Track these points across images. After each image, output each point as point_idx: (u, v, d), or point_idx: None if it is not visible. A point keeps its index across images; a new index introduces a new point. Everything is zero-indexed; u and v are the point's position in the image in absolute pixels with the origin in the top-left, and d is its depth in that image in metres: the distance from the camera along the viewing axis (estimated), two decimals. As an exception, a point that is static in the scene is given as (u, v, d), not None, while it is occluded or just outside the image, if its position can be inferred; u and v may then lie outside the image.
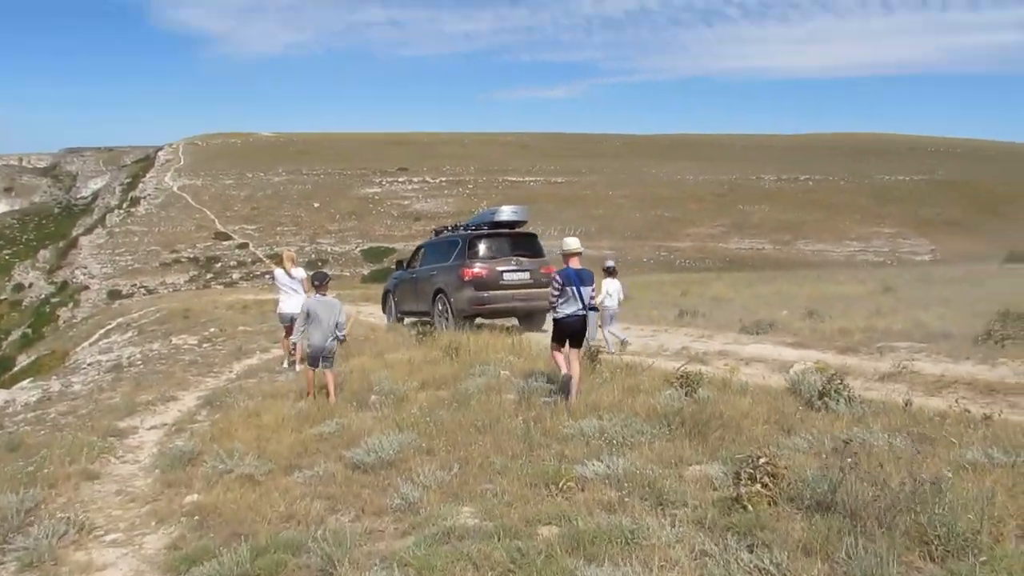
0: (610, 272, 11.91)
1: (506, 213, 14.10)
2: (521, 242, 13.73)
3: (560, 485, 4.55)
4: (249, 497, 5.03)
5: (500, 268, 13.08)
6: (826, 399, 6.02)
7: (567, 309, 7.07)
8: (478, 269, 13.03)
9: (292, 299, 10.81)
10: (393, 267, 17.30)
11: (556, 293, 7.11)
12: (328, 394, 8.00)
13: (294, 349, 10.59)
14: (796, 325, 12.58)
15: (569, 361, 7.04)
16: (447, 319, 13.34)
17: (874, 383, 7.43)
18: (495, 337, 10.92)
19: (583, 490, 4.53)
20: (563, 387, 6.88)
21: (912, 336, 10.04)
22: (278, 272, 11.29)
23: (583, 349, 7.46)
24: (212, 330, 18.51)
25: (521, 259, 13.31)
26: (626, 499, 4.26)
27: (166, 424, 8.38)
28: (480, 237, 13.66)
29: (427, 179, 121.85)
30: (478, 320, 13.84)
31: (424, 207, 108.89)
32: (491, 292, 13.01)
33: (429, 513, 4.38)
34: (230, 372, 11.85)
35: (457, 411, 6.51)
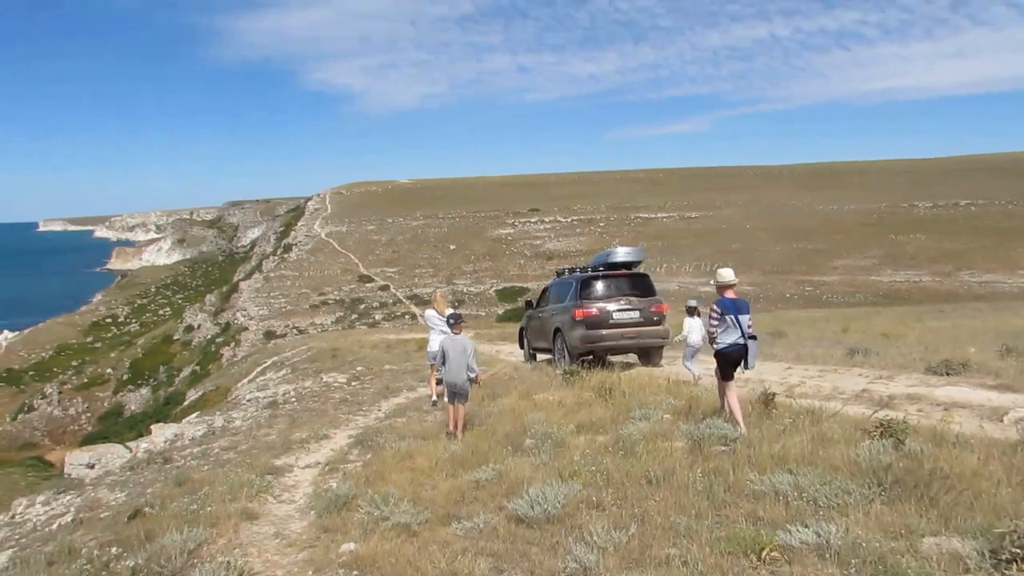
0: (691, 312, 12.38)
1: (620, 254, 14.74)
2: (633, 282, 14.26)
3: (762, 556, 3.85)
4: (407, 550, 4.68)
5: (610, 307, 13.65)
6: (1082, 457, 4.92)
7: (728, 339, 7.03)
8: (588, 309, 13.64)
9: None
10: (524, 307, 17.96)
11: (715, 323, 7.05)
12: (458, 427, 8.36)
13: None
14: (994, 364, 10.95)
15: (727, 393, 6.99)
16: (564, 356, 14.00)
17: None
18: (650, 378, 10.23)
19: (791, 563, 3.80)
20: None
21: None
22: (429, 312, 11.56)
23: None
24: (359, 368, 18.95)
25: (632, 298, 13.84)
26: (852, 578, 3.50)
27: (319, 463, 8.34)
28: (592, 278, 14.26)
29: (558, 219, 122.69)
30: (610, 358, 14.32)
31: (556, 246, 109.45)
32: (602, 331, 13.58)
33: (609, 581, 3.82)
34: (379, 411, 11.86)
35: (623, 460, 5.92)
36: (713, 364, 7.44)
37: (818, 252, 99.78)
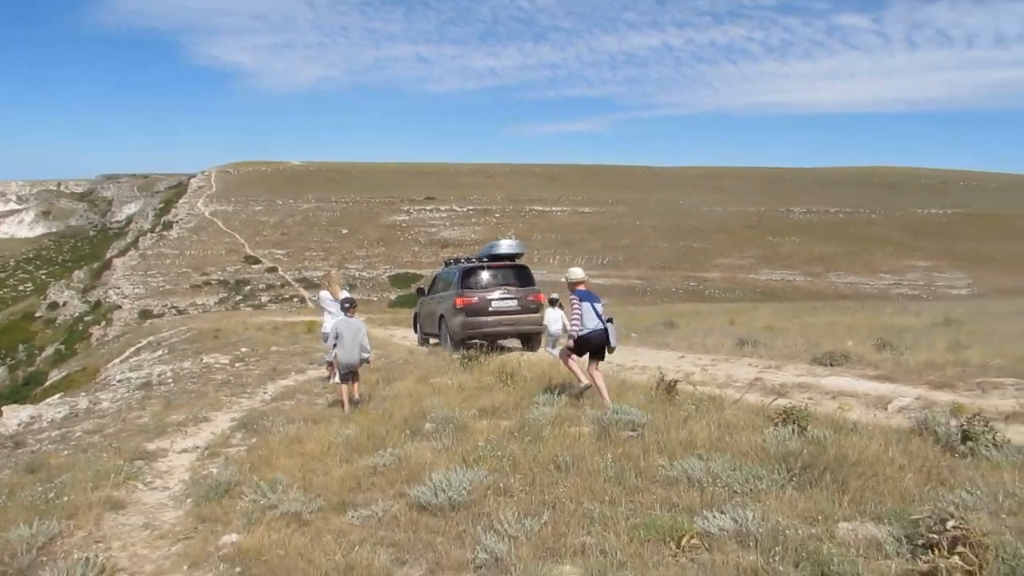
0: (553, 303, 13.96)
1: (504, 247, 15.73)
2: (513, 272, 14.98)
3: (681, 544, 3.69)
4: (298, 540, 4.23)
5: (489, 296, 14.43)
6: (971, 443, 5.10)
7: (589, 325, 7.60)
8: (469, 297, 14.39)
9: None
10: (416, 293, 18.87)
11: (577, 312, 7.62)
12: (354, 402, 8.67)
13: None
14: (873, 357, 11.57)
15: (592, 374, 7.61)
16: (447, 342, 14.83)
17: (998, 424, 6.45)
18: (551, 364, 10.10)
19: (711, 550, 3.66)
20: (579, 395, 7.69)
21: (1016, 371, 9.01)
22: (324, 294, 11.47)
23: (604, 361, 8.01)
24: (244, 350, 17.92)
25: (510, 288, 14.60)
26: (774, 566, 3.38)
27: (198, 447, 7.64)
28: (474, 269, 15.05)
29: (454, 208, 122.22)
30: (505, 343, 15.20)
31: (451, 235, 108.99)
32: (481, 318, 14.36)
33: (522, 572, 3.55)
34: (265, 393, 11.13)
35: (530, 445, 5.67)
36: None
37: (702, 250, 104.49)
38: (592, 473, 4.93)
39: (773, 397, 7.46)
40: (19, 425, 11.35)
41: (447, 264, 17.03)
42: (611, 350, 7.74)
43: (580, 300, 7.66)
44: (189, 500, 5.61)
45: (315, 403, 9.55)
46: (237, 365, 14.78)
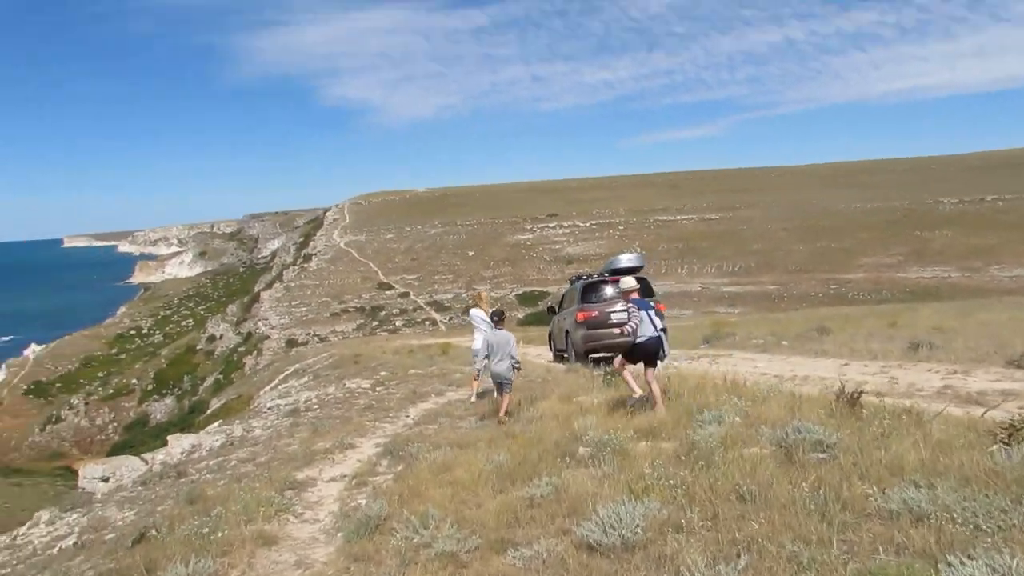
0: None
1: (624, 261, 16.22)
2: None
3: (933, 599, 2.94)
4: (457, 586, 3.81)
5: (608, 309, 14.59)
6: None
7: (646, 332, 7.90)
8: (589, 311, 14.87)
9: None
10: (547, 312, 19.82)
11: (636, 319, 7.91)
12: (506, 412, 8.94)
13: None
14: (1085, 358, 9.90)
15: (648, 381, 7.88)
16: (571, 356, 15.38)
17: None
18: (703, 377, 9.31)
19: (972, 609, 2.88)
20: (634, 405, 7.78)
21: None
22: (475, 311, 11.73)
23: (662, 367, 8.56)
24: (383, 374, 18.19)
25: (629, 306, 14.50)
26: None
27: (345, 476, 7.51)
28: (594, 283, 15.63)
29: (577, 223, 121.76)
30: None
31: (575, 251, 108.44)
32: (601, 330, 14.48)
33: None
34: (407, 417, 11.03)
35: (703, 472, 5.00)
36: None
37: (842, 250, 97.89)
38: (785, 505, 4.21)
39: (985, 409, 6.34)
40: (182, 454, 11.89)
41: (572, 281, 17.54)
42: (662, 358, 8.14)
43: (637, 308, 7.95)
44: (340, 535, 5.37)
45: (459, 426, 9.27)
46: (378, 389, 14.93)
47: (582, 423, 7.04)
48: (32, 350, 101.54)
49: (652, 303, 8.50)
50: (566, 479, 5.30)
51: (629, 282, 8.41)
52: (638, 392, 7.79)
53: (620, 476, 5.23)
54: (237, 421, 15.00)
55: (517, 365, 9.37)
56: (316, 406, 13.68)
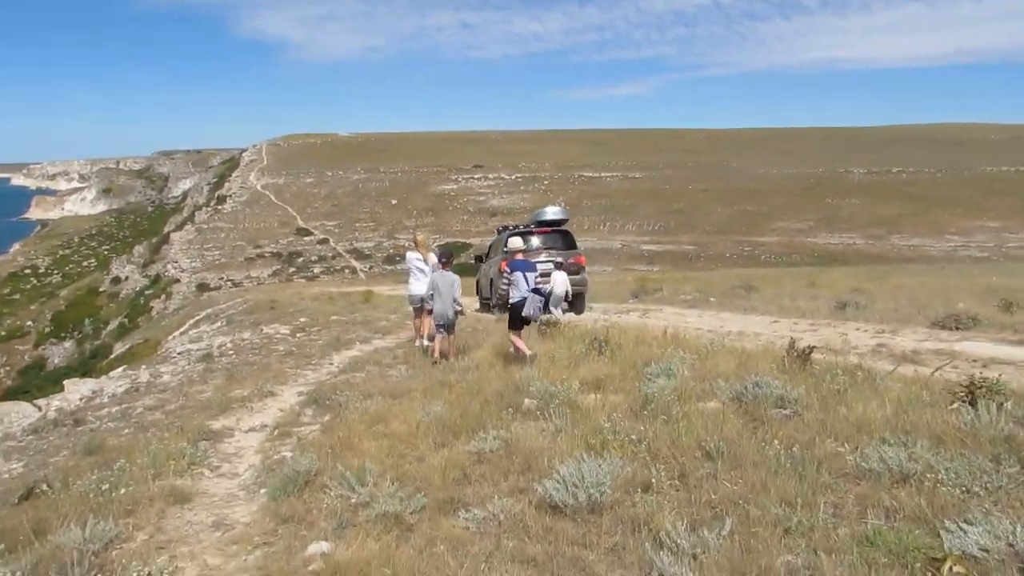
0: (558, 266, 13.98)
1: (549, 213, 16.70)
2: (556, 237, 15.76)
3: (943, 572, 2.67)
4: (405, 554, 3.35)
5: (532, 259, 15.19)
6: None
7: (516, 294, 8.19)
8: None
9: (422, 282, 10.72)
10: (472, 261, 20.42)
11: (506, 282, 8.29)
12: (442, 355, 9.08)
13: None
14: (1001, 319, 10.22)
15: (512, 339, 8.14)
16: (495, 304, 15.38)
17: None
18: (642, 329, 9.07)
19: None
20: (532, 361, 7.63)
21: None
22: (411, 254, 11.21)
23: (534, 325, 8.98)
24: (303, 320, 17.36)
25: (554, 251, 15.21)
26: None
27: (266, 426, 6.90)
28: (519, 234, 15.38)
29: (502, 176, 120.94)
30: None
31: (500, 203, 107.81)
32: None
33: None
34: (331, 364, 10.41)
35: (664, 426, 4.68)
36: None
37: (759, 214, 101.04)
38: (757, 464, 3.92)
39: (935, 368, 6.29)
40: (81, 400, 10.91)
41: (499, 231, 18.07)
42: (535, 319, 8.62)
43: (511, 270, 8.23)
44: (263, 492, 4.81)
45: (388, 375, 8.75)
46: (299, 335, 14.15)
47: (524, 374, 6.64)
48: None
49: (530, 264, 8.77)
50: (515, 432, 4.89)
51: (516, 243, 8.98)
52: (528, 352, 7.80)
53: (574, 431, 4.85)
54: (143, 366, 13.96)
55: (459, 307, 9.28)
56: (231, 352, 12.81)
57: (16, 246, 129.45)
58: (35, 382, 64.28)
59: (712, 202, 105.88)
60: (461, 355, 9.18)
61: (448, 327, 9.27)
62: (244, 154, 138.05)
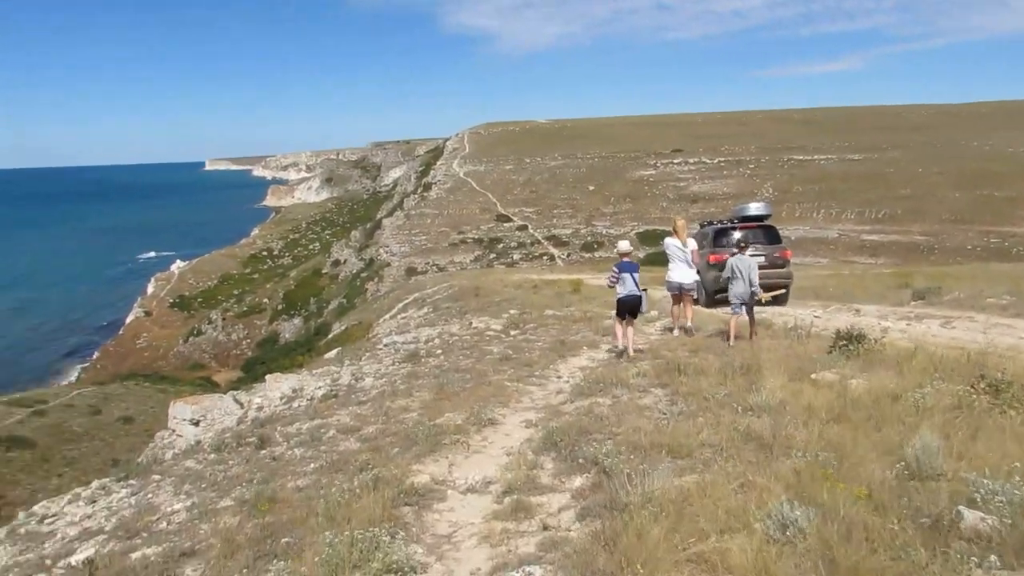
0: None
1: (752, 209, 17.39)
2: (761, 232, 16.27)
3: None
4: None
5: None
6: None
7: (623, 290, 9.31)
8: (720, 255, 15.27)
9: (681, 269, 10.69)
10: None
11: (614, 279, 9.47)
12: (752, 335, 9.49)
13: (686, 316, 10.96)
14: None
15: (623, 332, 9.31)
16: (702, 296, 15.56)
17: None
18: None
19: None
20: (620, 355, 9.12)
21: None
22: (669, 241, 10.91)
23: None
24: (513, 312, 15.59)
25: (759, 245, 15.40)
26: None
27: (490, 482, 4.84)
28: (725, 229, 16.49)
29: (704, 160, 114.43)
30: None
31: (701, 188, 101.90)
32: None
33: None
34: (558, 376, 8.29)
35: None
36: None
37: (1007, 200, 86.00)
38: None
39: None
40: (281, 399, 9.80)
41: (703, 225, 18.59)
42: (643, 312, 9.43)
43: (619, 271, 9.16)
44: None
45: (643, 403, 6.36)
46: (513, 333, 12.26)
47: (923, 443, 3.89)
48: (177, 265, 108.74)
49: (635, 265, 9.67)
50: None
51: (624, 246, 10.08)
52: (620, 342, 9.07)
53: None
54: (347, 361, 12.87)
55: (755, 290, 9.52)
56: (439, 351, 11.16)
57: (255, 230, 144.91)
58: (270, 354, 70.70)
59: (947, 187, 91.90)
60: (736, 376, 6.61)
61: (748, 307, 9.56)
62: (447, 143, 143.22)
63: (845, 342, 7.97)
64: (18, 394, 51.58)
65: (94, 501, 6.05)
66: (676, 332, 10.84)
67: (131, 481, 6.54)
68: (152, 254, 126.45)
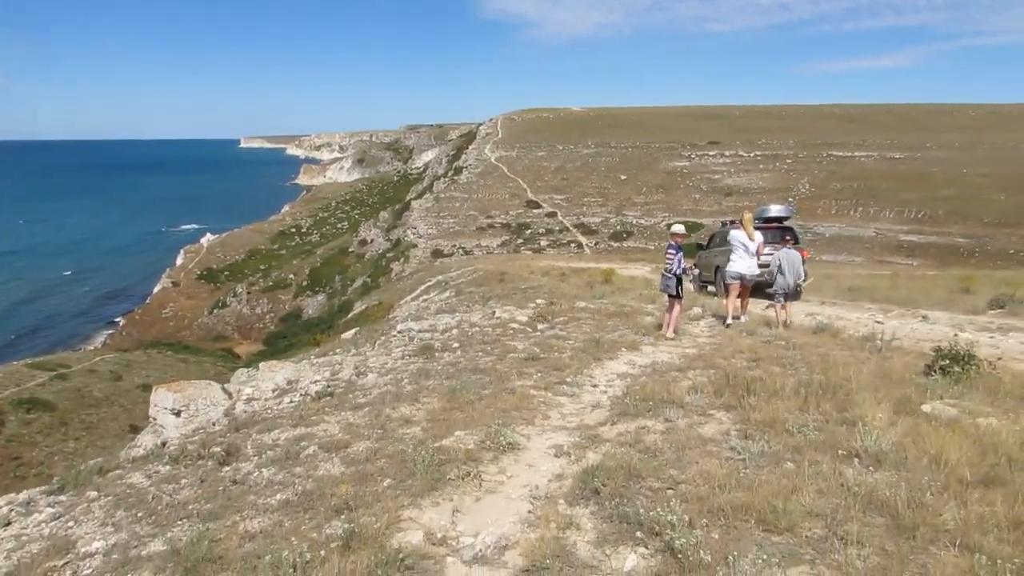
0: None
1: (774, 211, 18.33)
2: (778, 234, 16.23)
3: None
4: None
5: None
6: None
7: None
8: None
9: (744, 260, 10.95)
10: (696, 248, 22.06)
11: (671, 257, 10.22)
12: (786, 324, 10.42)
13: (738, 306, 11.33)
14: None
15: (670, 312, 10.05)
16: (721, 287, 16.14)
17: None
18: None
19: None
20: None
21: None
22: (735, 233, 11.19)
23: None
24: (539, 302, 14.23)
25: (775, 247, 16.29)
26: None
27: (506, 547, 3.52)
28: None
29: (740, 153, 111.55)
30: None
31: (736, 182, 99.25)
32: None
33: None
34: (594, 386, 6.92)
35: None
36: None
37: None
38: None
39: None
40: (274, 391, 8.60)
41: (724, 224, 20.08)
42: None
43: (676, 249, 10.23)
44: None
45: (704, 431, 5.00)
46: (540, 327, 10.87)
47: None
48: (207, 239, 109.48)
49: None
50: None
51: (679, 229, 10.82)
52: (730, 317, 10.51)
53: None
54: (353, 350, 11.62)
55: (800, 281, 10.45)
56: (455, 345, 9.81)
57: (286, 208, 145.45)
58: (292, 329, 70.57)
59: (993, 189, 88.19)
60: (817, 398, 5.21)
61: (791, 297, 10.47)
62: (481, 128, 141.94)
63: (948, 361, 6.53)
64: (41, 357, 51.71)
65: (7, 524, 4.86)
66: (730, 321, 10.84)
67: (61, 497, 5.38)
68: (194, 226, 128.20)
